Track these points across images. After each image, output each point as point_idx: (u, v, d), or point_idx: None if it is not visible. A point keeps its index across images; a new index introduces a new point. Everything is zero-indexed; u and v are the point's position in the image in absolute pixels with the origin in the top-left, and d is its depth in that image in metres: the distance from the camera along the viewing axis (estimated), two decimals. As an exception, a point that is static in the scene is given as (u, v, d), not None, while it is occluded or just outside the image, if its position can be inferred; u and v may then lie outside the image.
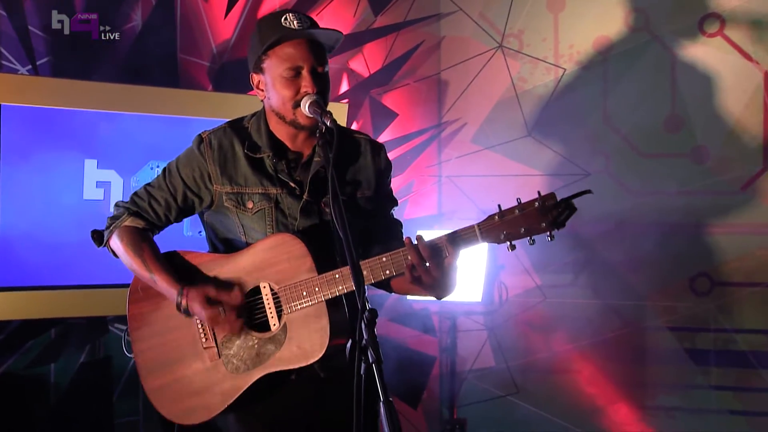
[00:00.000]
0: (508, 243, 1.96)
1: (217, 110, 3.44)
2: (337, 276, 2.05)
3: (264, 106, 2.23)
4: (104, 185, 3.31)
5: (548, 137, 4.28)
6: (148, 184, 2.29)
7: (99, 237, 2.29)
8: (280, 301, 2.12)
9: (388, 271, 2.03)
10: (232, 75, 3.78)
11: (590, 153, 4.19)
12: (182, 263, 2.22)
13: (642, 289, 4.10)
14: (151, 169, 3.37)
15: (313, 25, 2.14)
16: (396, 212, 2.36)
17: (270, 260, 2.13)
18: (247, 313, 2.14)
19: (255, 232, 2.20)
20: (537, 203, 1.94)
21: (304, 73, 2.11)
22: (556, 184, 4.14)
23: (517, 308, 4.28)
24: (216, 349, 2.17)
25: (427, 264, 1.99)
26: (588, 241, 4.15)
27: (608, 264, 4.14)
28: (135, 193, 2.29)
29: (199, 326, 2.19)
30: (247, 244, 2.20)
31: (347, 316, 2.10)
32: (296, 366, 2.09)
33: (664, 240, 4.04)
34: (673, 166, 4.05)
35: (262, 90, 2.19)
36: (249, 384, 2.13)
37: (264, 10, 3.95)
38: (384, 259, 2.03)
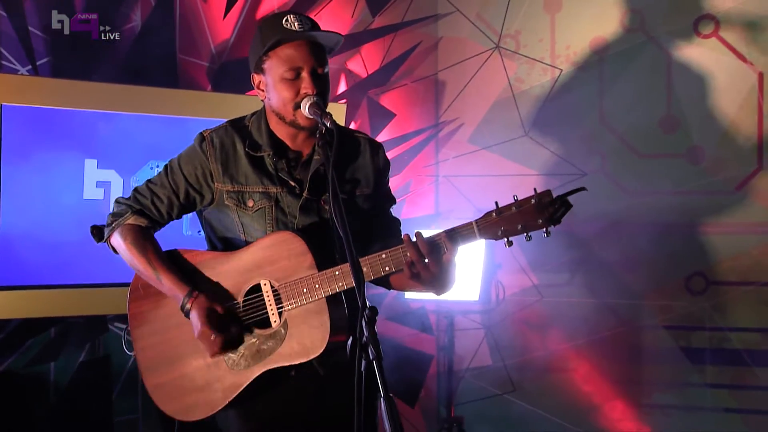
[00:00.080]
0: (506, 239, 1.99)
1: (216, 110, 3.46)
2: (337, 273, 2.07)
3: (264, 106, 2.25)
4: (104, 185, 3.32)
5: (545, 137, 4.30)
6: (150, 181, 2.30)
7: (99, 233, 2.30)
8: (280, 298, 2.13)
9: (387, 268, 2.05)
10: (231, 75, 3.79)
11: (586, 153, 4.21)
12: (183, 262, 2.24)
13: (638, 288, 4.13)
14: (151, 168, 3.38)
15: (314, 27, 2.16)
16: (394, 211, 2.38)
17: (270, 258, 2.14)
18: (249, 310, 2.16)
19: (255, 231, 2.21)
20: (533, 200, 1.97)
21: (305, 74, 2.13)
22: (552, 184, 4.16)
23: (513, 307, 4.30)
24: (217, 346, 2.19)
25: (426, 260, 2.02)
26: (584, 241, 4.17)
27: (604, 263, 4.16)
28: (136, 190, 2.30)
29: (200, 324, 2.21)
30: (246, 243, 2.21)
31: (347, 313, 2.12)
32: (297, 362, 2.11)
33: (660, 239, 4.07)
34: (669, 166, 4.08)
35: (263, 90, 2.21)
36: (250, 380, 2.14)
37: (262, 10, 3.96)
38: (383, 255, 2.05)
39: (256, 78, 2.21)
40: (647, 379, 4.13)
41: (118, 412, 3.55)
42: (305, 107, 2.11)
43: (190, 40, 3.77)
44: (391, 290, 2.31)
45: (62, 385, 3.45)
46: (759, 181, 3.95)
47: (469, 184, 4.40)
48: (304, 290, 2.10)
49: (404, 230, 2.31)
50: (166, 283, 2.19)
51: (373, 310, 1.77)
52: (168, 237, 2.33)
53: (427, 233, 2.05)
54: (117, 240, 2.26)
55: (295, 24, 2.13)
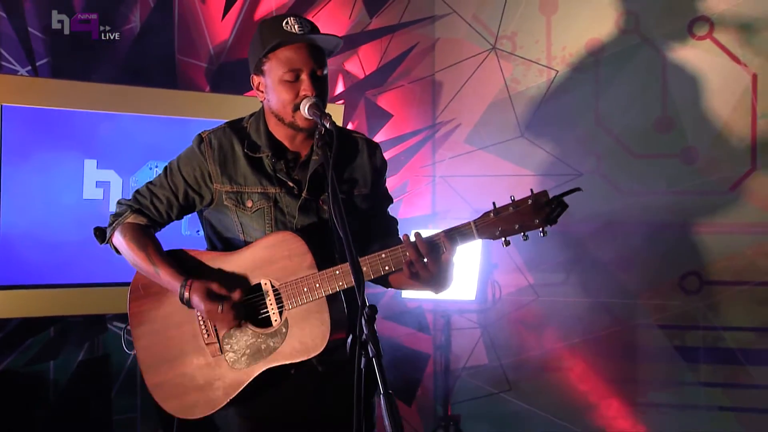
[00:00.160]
0: (503, 239, 2.02)
1: (214, 111, 3.47)
2: (337, 272, 2.10)
3: (263, 107, 2.27)
4: (104, 185, 3.33)
5: (541, 138, 4.32)
6: (150, 183, 2.32)
7: (101, 234, 2.32)
8: (281, 298, 2.16)
9: (387, 267, 2.08)
10: (230, 76, 3.81)
11: (582, 153, 4.23)
12: (185, 261, 2.25)
13: (633, 287, 4.15)
14: (150, 169, 3.40)
15: (314, 29, 2.18)
16: (391, 210, 2.40)
17: (271, 257, 2.16)
18: (250, 309, 2.18)
19: (254, 231, 2.23)
20: (530, 200, 2.00)
21: (304, 76, 2.15)
22: (548, 184, 4.13)
23: (510, 306, 4.32)
24: (218, 344, 2.20)
25: (425, 260, 2.05)
26: (580, 241, 4.20)
27: (600, 263, 4.18)
28: (137, 191, 2.32)
29: (201, 322, 2.23)
30: (246, 243, 2.23)
31: (346, 311, 2.14)
32: (297, 360, 2.13)
33: (655, 239, 4.09)
34: (664, 167, 4.10)
35: (262, 91, 2.22)
36: (251, 378, 2.16)
37: (261, 11, 3.98)
38: (383, 255, 2.08)
39: (256, 79, 2.23)
40: (642, 377, 4.16)
41: (117, 410, 3.56)
42: (304, 108, 2.13)
43: (189, 41, 3.78)
44: (389, 289, 2.33)
45: (61, 384, 3.46)
46: (752, 182, 3.98)
47: (466, 184, 4.42)
48: (305, 290, 2.12)
49: (401, 230, 2.34)
50: (164, 277, 2.21)
51: (373, 309, 1.79)
52: (167, 237, 2.34)
53: (424, 233, 2.08)
54: (118, 239, 2.28)
55: (295, 27, 2.15)
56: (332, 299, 2.13)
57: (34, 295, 3.23)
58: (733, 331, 4.00)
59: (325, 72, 2.19)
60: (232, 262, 2.22)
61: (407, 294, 3.95)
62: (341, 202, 1.95)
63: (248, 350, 2.18)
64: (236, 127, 2.29)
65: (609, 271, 4.17)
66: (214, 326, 2.21)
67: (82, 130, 3.28)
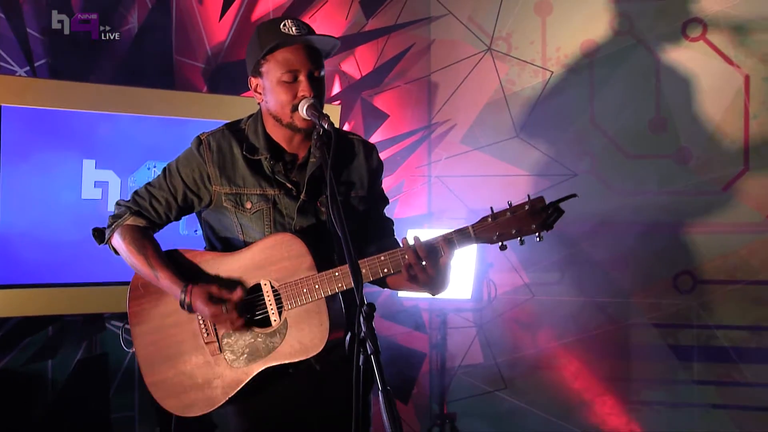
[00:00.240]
0: (500, 243, 2.05)
1: (212, 111, 3.48)
2: (336, 274, 2.12)
3: (261, 109, 2.28)
4: (102, 185, 3.34)
5: (536, 138, 4.35)
6: (149, 184, 2.33)
7: (100, 235, 2.33)
8: (280, 298, 2.17)
9: (386, 270, 2.10)
10: (227, 77, 3.81)
11: (577, 154, 4.25)
12: (183, 261, 2.27)
13: (627, 286, 4.18)
14: (148, 169, 3.41)
15: (311, 31, 2.20)
16: (387, 211, 2.42)
17: (270, 258, 2.18)
18: (249, 309, 2.20)
19: (253, 232, 2.25)
20: (527, 206, 2.03)
21: (302, 77, 2.17)
22: (543, 185, 4.21)
23: (505, 305, 4.34)
24: (217, 343, 2.22)
25: (424, 263, 2.07)
26: (574, 240, 4.22)
27: (594, 262, 4.21)
28: (136, 192, 2.33)
29: (200, 321, 2.24)
30: (245, 243, 2.25)
31: (343, 310, 2.16)
32: (296, 360, 2.15)
33: (648, 239, 4.11)
34: (657, 167, 4.12)
35: (260, 93, 2.24)
36: (250, 377, 2.18)
37: (258, 12, 3.99)
38: (382, 258, 2.10)
39: (254, 81, 2.25)
40: (636, 376, 4.18)
41: (115, 409, 3.57)
42: (303, 109, 2.15)
43: (186, 42, 3.79)
44: (386, 289, 2.35)
45: (60, 383, 3.46)
46: (745, 182, 4.01)
47: (461, 184, 4.43)
48: (304, 290, 2.14)
49: (397, 230, 2.37)
50: (163, 281, 2.23)
51: (371, 306, 1.81)
52: (165, 237, 2.35)
53: (421, 234, 2.11)
54: (117, 240, 2.29)
55: (293, 29, 2.17)
56: (331, 300, 2.15)
57: (32, 294, 3.24)
58: (726, 330, 4.03)
59: (322, 73, 2.21)
60: (231, 263, 2.23)
61: (404, 293, 3.96)
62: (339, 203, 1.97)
63: (247, 349, 2.20)
64: (234, 129, 2.30)
65: (603, 270, 4.19)
66: (214, 325, 2.23)
67: (80, 131, 3.29)
